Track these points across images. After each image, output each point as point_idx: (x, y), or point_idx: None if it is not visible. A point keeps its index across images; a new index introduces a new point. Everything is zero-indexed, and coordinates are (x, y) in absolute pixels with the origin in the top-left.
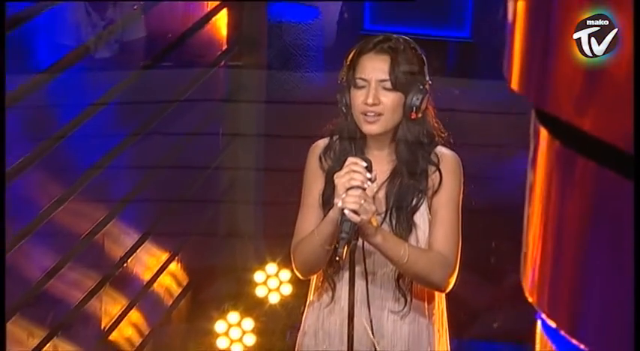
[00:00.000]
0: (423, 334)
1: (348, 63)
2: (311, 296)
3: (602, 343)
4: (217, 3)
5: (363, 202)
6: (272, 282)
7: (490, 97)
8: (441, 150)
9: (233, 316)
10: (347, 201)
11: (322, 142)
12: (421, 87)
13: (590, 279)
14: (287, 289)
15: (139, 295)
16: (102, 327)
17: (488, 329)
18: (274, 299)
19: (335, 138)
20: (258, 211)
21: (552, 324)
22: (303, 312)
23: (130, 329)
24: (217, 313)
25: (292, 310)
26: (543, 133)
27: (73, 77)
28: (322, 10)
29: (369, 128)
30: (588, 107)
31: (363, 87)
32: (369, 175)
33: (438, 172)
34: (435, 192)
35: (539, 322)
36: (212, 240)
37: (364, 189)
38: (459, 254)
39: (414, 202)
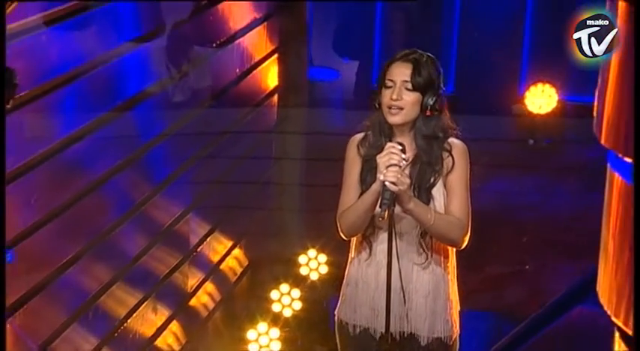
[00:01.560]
0: (440, 282)
1: (382, 71)
2: (352, 254)
3: None
4: (268, 51)
5: (399, 176)
6: (312, 263)
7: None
8: (453, 140)
9: (284, 286)
10: (387, 175)
11: (359, 136)
12: (436, 91)
13: None
14: (324, 269)
15: (211, 271)
16: (185, 293)
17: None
18: (314, 276)
19: (368, 132)
20: (301, 214)
21: (628, 160)
22: (336, 284)
23: (205, 297)
24: (272, 284)
25: (328, 284)
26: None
27: (155, 112)
28: (341, 72)
29: (393, 119)
30: None
31: (390, 87)
32: (404, 156)
33: (450, 157)
34: (449, 172)
35: (608, 164)
36: (266, 232)
37: (400, 166)
38: (470, 219)
39: (431, 180)
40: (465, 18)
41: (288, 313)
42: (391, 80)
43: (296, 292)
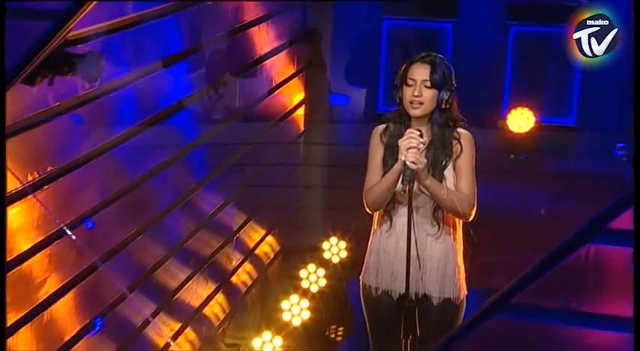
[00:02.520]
0: (450, 250)
1: (402, 70)
2: (375, 226)
3: None
4: (293, 72)
5: (418, 156)
6: (334, 249)
7: None
8: (461, 130)
9: (311, 266)
10: (408, 156)
11: (381, 126)
12: (449, 88)
13: None
14: (344, 254)
15: (248, 254)
16: (227, 271)
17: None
18: (335, 260)
19: (389, 123)
20: (323, 211)
21: None
22: (354, 266)
23: (245, 275)
24: (300, 265)
25: (346, 266)
26: None
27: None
28: (352, 97)
29: (414, 112)
30: None
31: (411, 85)
32: (421, 140)
33: (459, 144)
34: (458, 157)
35: None
36: (294, 225)
37: (419, 149)
38: (476, 195)
39: (443, 162)
40: (457, 52)
41: (314, 288)
42: (412, 79)
43: (321, 271)
